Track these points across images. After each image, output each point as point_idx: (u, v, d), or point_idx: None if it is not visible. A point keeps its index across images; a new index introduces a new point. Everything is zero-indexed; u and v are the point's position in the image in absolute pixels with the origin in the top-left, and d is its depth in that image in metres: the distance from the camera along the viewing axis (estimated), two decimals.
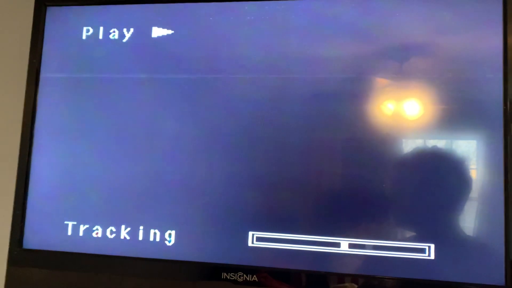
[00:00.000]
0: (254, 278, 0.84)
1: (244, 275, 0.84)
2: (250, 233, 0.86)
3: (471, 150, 0.82)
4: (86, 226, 0.92)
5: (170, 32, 0.94)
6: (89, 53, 0.97)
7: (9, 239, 0.94)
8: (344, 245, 0.83)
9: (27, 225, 0.94)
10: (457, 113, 0.83)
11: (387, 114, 0.85)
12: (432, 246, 0.80)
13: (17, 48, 1.05)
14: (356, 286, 0.81)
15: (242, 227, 0.86)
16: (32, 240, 0.94)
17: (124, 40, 0.96)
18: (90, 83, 0.96)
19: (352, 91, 0.86)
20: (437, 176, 0.82)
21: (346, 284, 0.82)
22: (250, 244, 0.86)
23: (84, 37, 0.97)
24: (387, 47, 0.86)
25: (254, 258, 0.85)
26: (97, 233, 0.92)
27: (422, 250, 0.80)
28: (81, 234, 0.92)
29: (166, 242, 0.89)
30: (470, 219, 0.81)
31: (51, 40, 0.98)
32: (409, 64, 0.85)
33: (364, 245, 0.82)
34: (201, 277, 0.87)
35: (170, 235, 0.89)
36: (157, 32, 0.94)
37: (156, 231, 0.90)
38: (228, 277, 0.85)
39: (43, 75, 0.98)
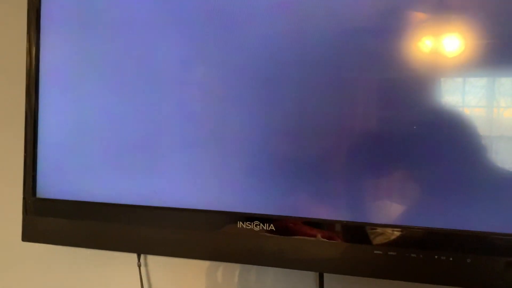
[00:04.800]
0: (271, 227, 0.80)
1: (261, 224, 0.80)
2: (267, 181, 0.81)
3: None
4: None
5: None
6: None
7: (23, 188, 0.93)
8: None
9: (39, 175, 0.93)
10: (501, 49, 0.71)
11: (424, 52, 0.75)
12: None
13: None
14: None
15: (258, 175, 0.81)
16: (45, 189, 0.93)
17: None
18: (96, 25, 0.89)
19: (385, 26, 0.76)
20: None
21: (378, 230, 0.76)
22: (267, 193, 0.81)
23: None
24: None
25: (270, 207, 0.81)
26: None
27: None
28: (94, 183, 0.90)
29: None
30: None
31: None
32: None
33: None
34: (217, 225, 0.84)
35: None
36: None
37: None
38: (244, 226, 0.81)
39: (45, 16, 0.92)
